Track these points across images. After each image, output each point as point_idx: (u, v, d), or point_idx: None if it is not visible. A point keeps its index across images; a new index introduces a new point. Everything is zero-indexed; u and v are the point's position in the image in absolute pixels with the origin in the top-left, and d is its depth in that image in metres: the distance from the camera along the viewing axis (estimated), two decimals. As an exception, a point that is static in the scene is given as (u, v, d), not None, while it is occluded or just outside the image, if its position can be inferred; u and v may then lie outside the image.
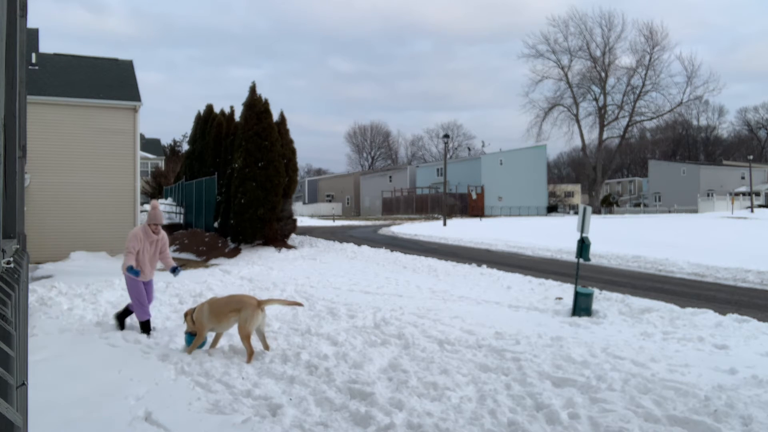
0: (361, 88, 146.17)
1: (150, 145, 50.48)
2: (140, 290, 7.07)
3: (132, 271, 6.83)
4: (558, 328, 7.66)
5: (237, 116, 21.19)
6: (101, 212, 16.29)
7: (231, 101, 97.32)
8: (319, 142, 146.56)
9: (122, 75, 18.48)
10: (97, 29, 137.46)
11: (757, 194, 63.21)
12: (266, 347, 6.20)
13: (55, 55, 19.18)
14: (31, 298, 8.77)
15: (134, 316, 7.31)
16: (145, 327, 7.11)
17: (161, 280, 11.13)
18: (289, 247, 19.27)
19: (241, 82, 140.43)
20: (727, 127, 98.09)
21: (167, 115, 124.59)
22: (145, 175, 38.89)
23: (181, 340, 6.64)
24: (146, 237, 7.04)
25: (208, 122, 24.53)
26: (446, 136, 38.05)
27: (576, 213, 54.51)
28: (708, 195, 64.13)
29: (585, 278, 11.77)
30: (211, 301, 6.39)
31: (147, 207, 27.37)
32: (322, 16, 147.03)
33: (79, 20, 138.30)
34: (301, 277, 12.45)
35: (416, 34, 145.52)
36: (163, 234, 7.31)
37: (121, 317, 7.34)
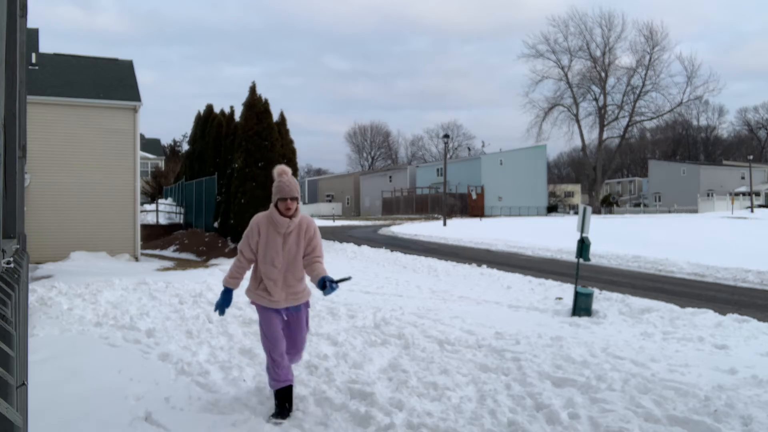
0: (357, 86, 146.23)
1: (150, 145, 50.49)
2: (272, 327, 4.17)
3: (224, 298, 4.19)
4: (558, 328, 7.66)
5: (237, 116, 21.20)
6: (101, 212, 16.27)
7: (226, 99, 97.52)
8: (318, 142, 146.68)
9: (122, 75, 18.47)
10: (88, 27, 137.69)
11: (757, 194, 63.19)
12: None
13: (55, 55, 19.17)
14: (31, 298, 8.76)
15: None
16: (283, 399, 4.23)
17: (161, 280, 11.08)
18: (289, 247, 19.24)
19: (235, 80, 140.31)
20: (727, 127, 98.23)
21: (162, 113, 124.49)
22: (145, 175, 38.89)
23: (180, 340, 6.61)
24: (273, 226, 4.12)
25: (208, 122, 24.55)
26: (446, 136, 38.10)
27: (576, 213, 54.44)
28: (708, 195, 64.13)
29: (585, 278, 11.76)
30: None
31: (148, 207, 27.39)
32: (316, 13, 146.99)
33: (69, 18, 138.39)
34: (301, 277, 12.42)
35: (413, 32, 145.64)
36: (306, 219, 4.27)
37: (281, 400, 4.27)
